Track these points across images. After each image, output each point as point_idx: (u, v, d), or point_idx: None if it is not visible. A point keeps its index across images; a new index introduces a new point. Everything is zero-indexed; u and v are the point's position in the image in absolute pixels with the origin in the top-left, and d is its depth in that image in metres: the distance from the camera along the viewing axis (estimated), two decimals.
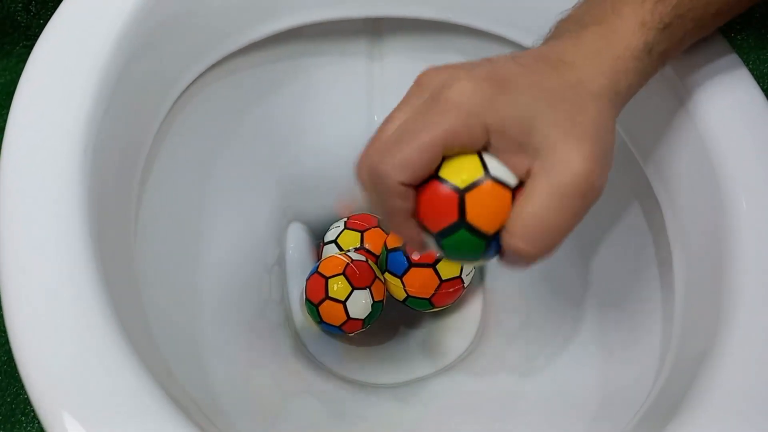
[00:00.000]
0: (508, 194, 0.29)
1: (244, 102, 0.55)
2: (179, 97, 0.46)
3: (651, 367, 0.39)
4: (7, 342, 0.73)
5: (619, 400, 0.41)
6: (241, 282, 0.53)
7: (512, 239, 0.28)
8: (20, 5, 0.92)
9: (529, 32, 0.50)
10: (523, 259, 0.29)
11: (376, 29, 0.58)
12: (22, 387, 0.69)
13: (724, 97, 0.38)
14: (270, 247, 0.58)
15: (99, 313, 0.31)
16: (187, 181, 0.50)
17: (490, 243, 0.29)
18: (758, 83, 0.40)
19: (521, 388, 0.49)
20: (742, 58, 0.42)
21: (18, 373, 0.74)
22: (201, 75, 0.47)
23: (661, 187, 0.41)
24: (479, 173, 0.29)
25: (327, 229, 0.61)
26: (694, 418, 0.30)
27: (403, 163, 0.28)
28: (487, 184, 0.29)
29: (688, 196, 0.39)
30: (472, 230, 0.29)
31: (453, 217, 0.29)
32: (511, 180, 0.29)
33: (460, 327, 0.57)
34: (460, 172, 0.29)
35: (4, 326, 0.75)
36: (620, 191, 0.48)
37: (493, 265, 0.59)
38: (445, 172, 0.29)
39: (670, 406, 0.32)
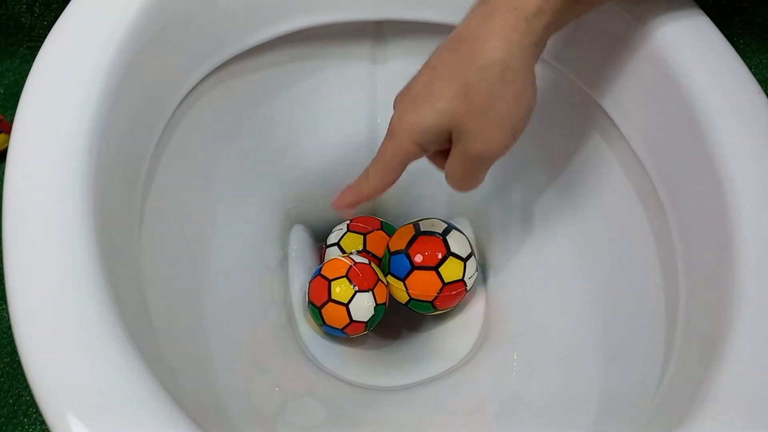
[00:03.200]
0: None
1: (248, 104, 0.55)
2: (184, 98, 0.46)
3: (655, 370, 0.39)
4: (9, 344, 0.73)
5: (622, 404, 0.41)
6: (243, 284, 0.53)
7: (447, 182, 0.42)
8: (24, 6, 0.92)
9: None
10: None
11: (380, 32, 0.58)
12: (24, 389, 0.69)
13: (728, 102, 0.39)
14: (273, 249, 0.58)
15: (103, 315, 0.31)
16: (191, 182, 0.50)
17: None
18: (761, 87, 0.40)
19: (524, 392, 0.49)
20: (744, 61, 0.42)
21: (20, 375, 0.74)
22: (206, 77, 0.48)
23: (665, 191, 0.42)
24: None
25: (329, 232, 0.61)
26: (700, 423, 0.30)
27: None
28: None
29: (692, 200, 0.39)
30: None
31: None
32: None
33: (462, 330, 0.57)
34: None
35: (5, 329, 0.76)
36: (624, 196, 0.48)
37: (496, 268, 0.59)
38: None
39: (675, 410, 0.32)
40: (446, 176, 0.42)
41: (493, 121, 0.38)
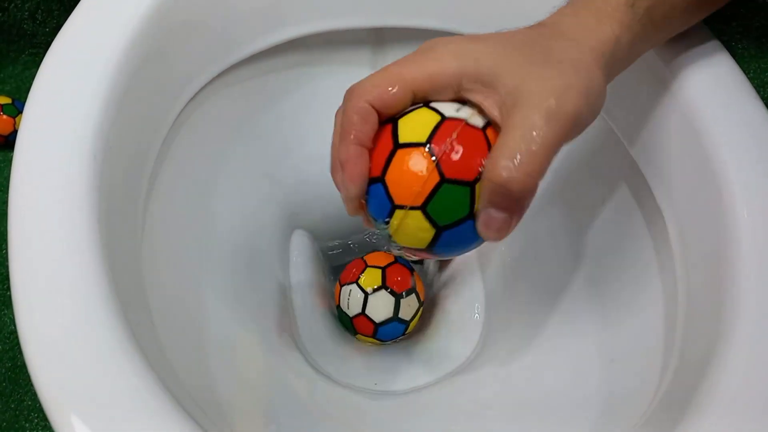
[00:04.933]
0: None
1: (250, 110, 0.55)
2: (186, 105, 0.46)
3: (654, 373, 0.39)
4: (11, 349, 0.73)
5: (621, 408, 0.41)
6: (244, 287, 0.53)
7: (495, 169, 0.27)
8: (26, 13, 0.93)
9: None
10: (507, 195, 0.28)
11: (379, 39, 0.58)
12: (26, 393, 0.70)
13: (727, 108, 0.39)
14: (274, 254, 0.59)
15: (107, 317, 0.31)
16: (193, 186, 0.50)
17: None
18: (759, 92, 0.40)
19: (524, 395, 0.49)
20: (742, 67, 0.42)
21: (22, 380, 0.74)
22: (208, 83, 0.48)
23: (663, 196, 0.42)
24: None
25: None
26: (698, 424, 0.30)
27: (370, 85, 0.30)
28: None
29: (690, 204, 0.39)
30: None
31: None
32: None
33: (462, 334, 0.58)
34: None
35: (8, 334, 0.76)
36: (622, 200, 0.48)
37: (496, 272, 0.59)
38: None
39: (673, 412, 0.32)
40: (499, 170, 0.27)
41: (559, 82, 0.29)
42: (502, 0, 0.51)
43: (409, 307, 0.57)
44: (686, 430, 0.30)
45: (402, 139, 0.30)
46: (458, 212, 0.30)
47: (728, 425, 0.30)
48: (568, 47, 0.31)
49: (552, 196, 0.55)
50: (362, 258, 0.60)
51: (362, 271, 0.58)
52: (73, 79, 0.37)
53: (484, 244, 0.61)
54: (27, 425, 0.69)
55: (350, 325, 0.58)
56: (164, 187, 0.45)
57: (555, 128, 0.28)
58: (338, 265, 0.66)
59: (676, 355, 0.37)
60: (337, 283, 0.60)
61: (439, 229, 0.30)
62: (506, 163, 0.27)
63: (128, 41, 0.39)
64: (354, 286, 0.57)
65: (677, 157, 0.40)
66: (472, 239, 0.31)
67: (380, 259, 0.59)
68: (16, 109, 0.88)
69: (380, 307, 0.57)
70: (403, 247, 0.32)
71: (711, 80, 0.40)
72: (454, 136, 0.29)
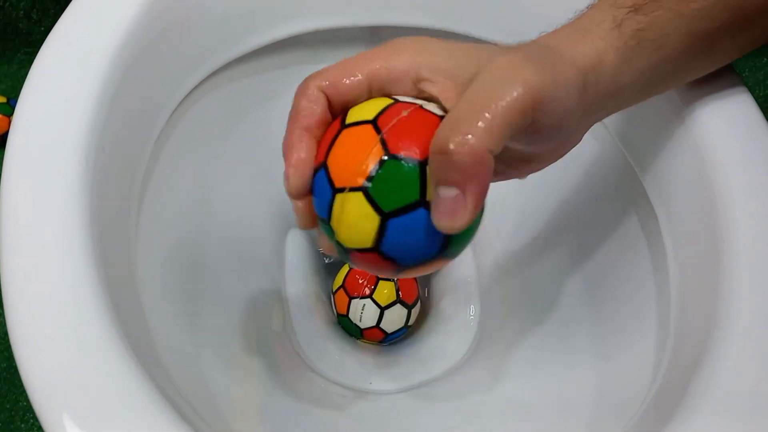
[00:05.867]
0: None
1: (244, 109, 0.55)
2: (179, 104, 0.46)
3: (647, 372, 0.39)
4: (6, 349, 0.73)
5: (615, 405, 0.41)
6: (239, 288, 0.53)
7: (438, 138, 0.25)
8: (22, 12, 0.93)
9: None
10: (453, 167, 0.25)
11: (375, 37, 0.58)
12: (21, 394, 0.70)
13: (720, 108, 0.39)
14: (269, 253, 0.59)
15: (99, 317, 0.31)
16: (187, 187, 0.50)
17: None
18: (753, 91, 0.40)
19: (518, 394, 0.49)
20: (737, 66, 0.42)
21: (17, 381, 0.74)
22: (201, 83, 0.48)
23: (657, 195, 0.42)
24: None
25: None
26: (690, 421, 0.30)
27: (324, 71, 0.29)
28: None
29: (683, 204, 0.39)
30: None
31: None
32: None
33: (457, 334, 0.58)
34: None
35: (2, 335, 0.75)
36: (616, 199, 0.49)
37: (490, 272, 0.60)
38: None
39: (665, 410, 0.32)
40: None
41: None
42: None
43: (415, 314, 0.59)
44: (676, 429, 0.30)
45: (349, 121, 0.28)
46: (406, 195, 0.25)
47: (718, 424, 0.30)
48: (546, 51, 0.30)
49: (546, 196, 0.55)
50: None
51: (375, 285, 0.57)
52: (65, 78, 0.37)
53: (481, 243, 0.61)
54: (22, 426, 0.69)
55: (359, 335, 0.58)
56: (157, 187, 0.45)
57: (510, 93, 0.25)
58: (334, 262, 0.66)
59: (669, 355, 0.37)
60: (341, 291, 0.58)
61: (384, 217, 0.26)
62: (450, 131, 0.25)
63: (121, 40, 0.39)
64: (368, 301, 0.57)
65: (672, 156, 0.41)
66: (429, 236, 0.26)
67: None
68: (12, 108, 0.87)
69: (394, 319, 0.57)
70: (351, 251, 0.27)
71: (714, 91, 0.39)
72: (405, 113, 0.27)
